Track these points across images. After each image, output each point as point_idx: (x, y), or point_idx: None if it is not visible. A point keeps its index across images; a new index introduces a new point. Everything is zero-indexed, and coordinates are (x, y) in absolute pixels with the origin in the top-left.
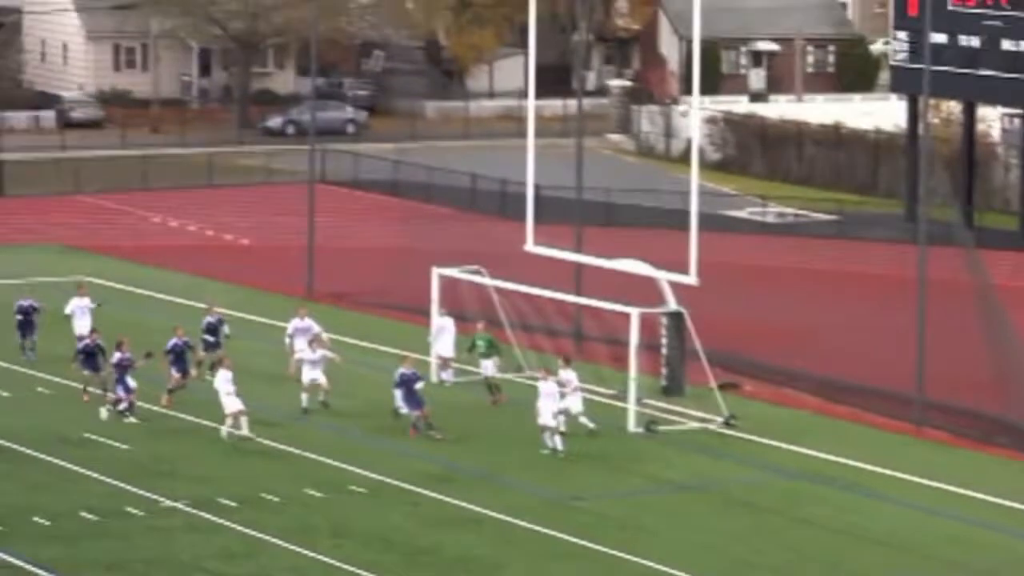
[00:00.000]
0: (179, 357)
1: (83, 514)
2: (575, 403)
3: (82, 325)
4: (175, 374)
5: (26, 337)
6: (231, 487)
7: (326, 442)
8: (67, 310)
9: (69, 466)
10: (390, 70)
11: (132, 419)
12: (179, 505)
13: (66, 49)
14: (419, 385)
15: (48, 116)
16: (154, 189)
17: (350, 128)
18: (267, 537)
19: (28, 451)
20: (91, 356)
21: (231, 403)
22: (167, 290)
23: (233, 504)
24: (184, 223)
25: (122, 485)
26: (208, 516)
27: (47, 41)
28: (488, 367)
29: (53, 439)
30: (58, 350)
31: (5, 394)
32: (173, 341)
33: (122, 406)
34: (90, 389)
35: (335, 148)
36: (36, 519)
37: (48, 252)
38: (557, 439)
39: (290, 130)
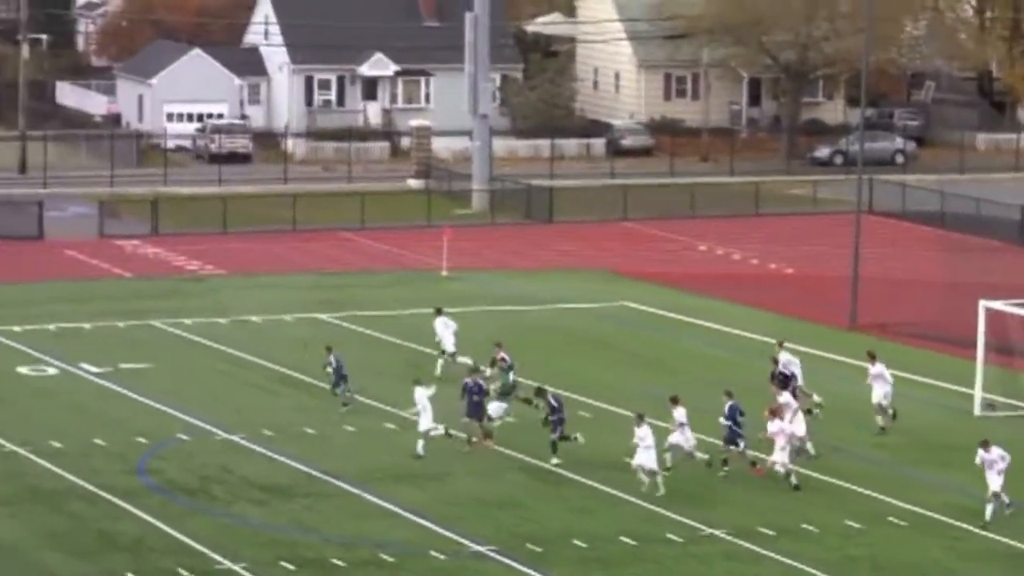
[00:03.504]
0: (472, 398)
1: (622, 538)
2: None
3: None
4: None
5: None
6: (771, 516)
7: (865, 472)
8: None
9: (611, 491)
10: (940, 101)
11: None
12: (718, 533)
13: (618, 78)
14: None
15: (598, 144)
16: (701, 217)
17: (898, 158)
18: (806, 567)
19: (572, 475)
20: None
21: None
22: (710, 318)
23: (772, 533)
24: (729, 251)
25: (662, 511)
26: (747, 545)
27: (600, 70)
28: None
29: (597, 463)
30: (599, 374)
31: None
32: (465, 380)
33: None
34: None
35: (883, 178)
36: (576, 541)
37: (593, 278)
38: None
39: (838, 160)
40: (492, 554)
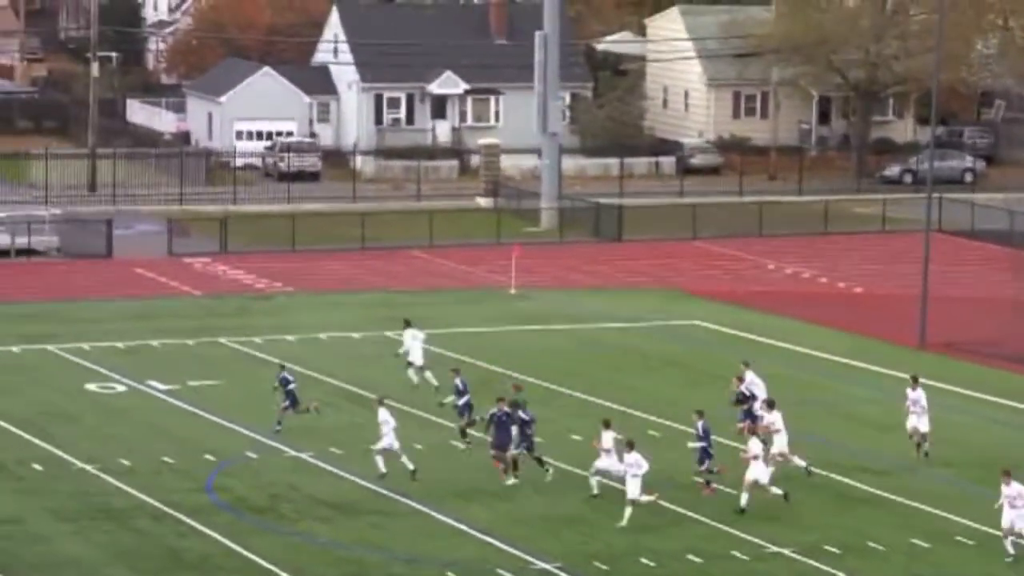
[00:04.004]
0: (500, 427)
1: (689, 556)
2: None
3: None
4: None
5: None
6: (837, 534)
7: (934, 492)
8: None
9: (676, 508)
10: (1010, 119)
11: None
12: (784, 551)
13: (687, 96)
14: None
15: (668, 162)
16: (769, 236)
17: (968, 177)
18: None
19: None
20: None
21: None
22: (779, 337)
23: (838, 552)
24: (798, 270)
25: (728, 529)
26: (813, 563)
27: (669, 88)
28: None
29: (662, 481)
30: (668, 393)
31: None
32: (492, 411)
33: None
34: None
35: (952, 197)
36: (643, 560)
37: (661, 296)
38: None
39: (907, 179)
40: (559, 572)
